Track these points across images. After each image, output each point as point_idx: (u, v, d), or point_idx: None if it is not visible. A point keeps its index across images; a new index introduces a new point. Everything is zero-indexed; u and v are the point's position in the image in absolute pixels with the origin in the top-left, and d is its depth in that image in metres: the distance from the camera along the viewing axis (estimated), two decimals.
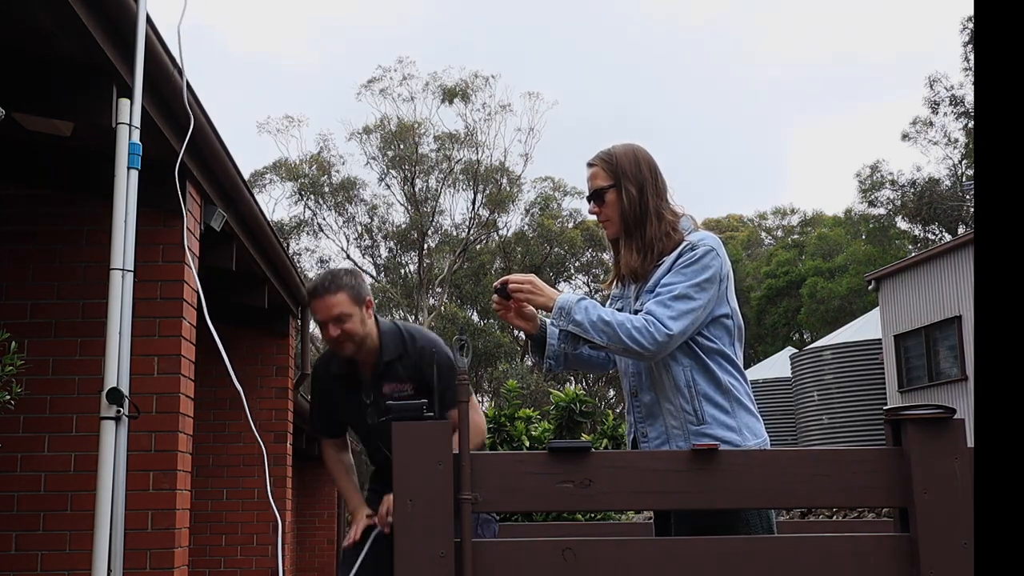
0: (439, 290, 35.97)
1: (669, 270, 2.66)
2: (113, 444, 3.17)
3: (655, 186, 2.77)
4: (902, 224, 32.18)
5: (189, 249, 4.21)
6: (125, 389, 3.21)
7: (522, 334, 3.07)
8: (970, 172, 29.51)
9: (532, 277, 2.71)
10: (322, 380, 3.45)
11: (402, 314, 34.50)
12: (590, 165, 2.84)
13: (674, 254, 2.70)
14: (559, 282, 36.60)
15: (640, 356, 2.62)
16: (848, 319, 24.71)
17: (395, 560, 2.21)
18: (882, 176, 31.55)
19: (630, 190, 2.74)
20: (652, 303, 2.61)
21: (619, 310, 2.80)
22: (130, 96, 3.44)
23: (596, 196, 2.79)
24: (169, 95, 3.86)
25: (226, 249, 5.27)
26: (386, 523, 3.08)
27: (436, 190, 35.92)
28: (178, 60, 3.81)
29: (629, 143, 2.85)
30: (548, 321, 2.73)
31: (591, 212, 2.85)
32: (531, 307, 2.76)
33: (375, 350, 3.24)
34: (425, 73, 45.35)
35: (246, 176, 5.24)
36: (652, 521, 2.89)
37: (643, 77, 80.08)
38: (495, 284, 2.78)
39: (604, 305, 2.90)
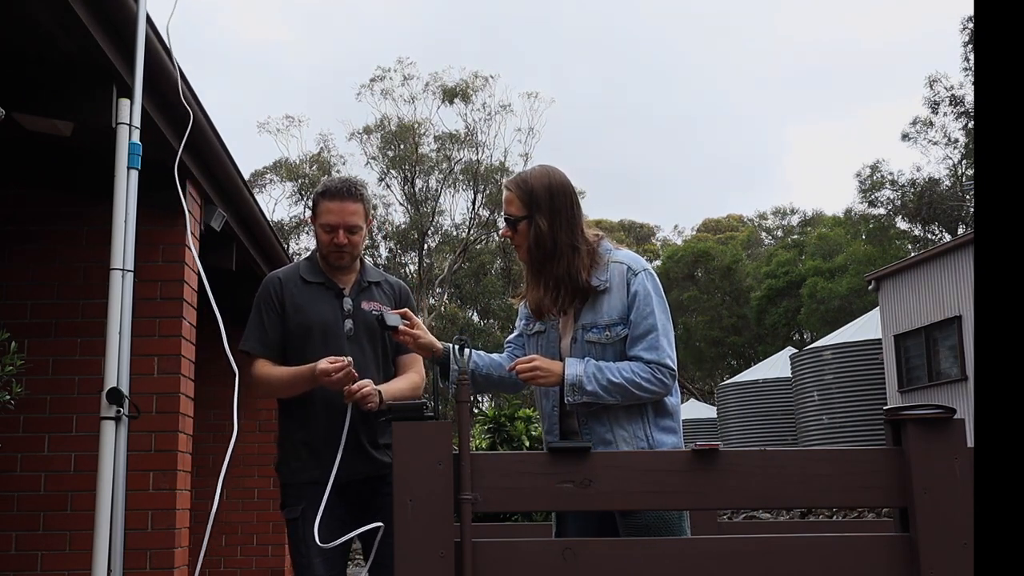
0: (439, 290, 35.96)
1: (629, 307, 2.72)
2: (113, 444, 3.17)
3: (568, 217, 2.78)
4: (902, 224, 32.14)
5: (189, 248, 4.21)
6: (125, 389, 3.21)
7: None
8: (970, 172, 29.49)
9: (536, 360, 2.75)
10: (281, 289, 3.21)
11: None
12: (506, 189, 2.87)
13: (618, 283, 2.75)
14: None
15: (654, 399, 2.72)
16: (848, 319, 24.67)
17: (395, 560, 2.22)
18: (882, 176, 31.52)
19: (540, 224, 2.76)
20: (643, 351, 2.69)
21: (540, 332, 2.87)
22: (130, 96, 3.44)
23: (509, 223, 2.83)
24: (169, 95, 3.86)
25: (226, 249, 5.27)
26: (355, 395, 2.99)
27: (436, 190, 35.91)
28: (174, 56, 3.81)
29: (546, 168, 2.85)
30: (451, 345, 2.80)
31: (503, 235, 2.91)
32: (428, 336, 2.88)
33: (356, 269, 3.29)
34: (425, 73, 45.39)
35: (246, 176, 5.23)
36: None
37: (644, 76, 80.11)
38: (376, 313, 2.97)
39: (516, 322, 3.03)
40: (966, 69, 28.93)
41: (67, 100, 3.59)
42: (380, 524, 2.89)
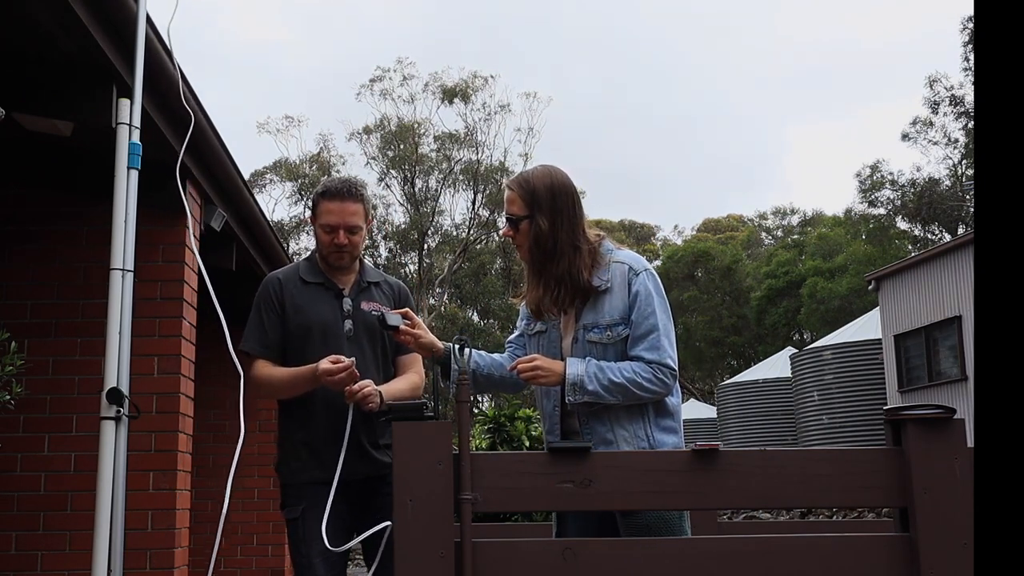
0: (439, 290, 35.96)
1: (630, 307, 2.72)
2: (113, 444, 3.17)
3: (570, 217, 2.78)
4: (902, 224, 32.14)
5: (189, 248, 4.21)
6: (125, 389, 3.21)
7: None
8: (970, 172, 29.48)
9: (536, 359, 2.75)
10: (281, 289, 3.21)
11: None
12: (508, 188, 2.87)
13: (619, 283, 2.75)
14: None
15: (654, 399, 2.72)
16: (848, 319, 24.67)
17: (395, 560, 2.22)
18: (882, 176, 31.51)
19: (541, 224, 2.76)
20: (644, 351, 2.69)
21: (541, 332, 2.87)
22: (130, 96, 3.43)
23: (511, 223, 2.83)
24: (169, 95, 3.86)
25: (226, 249, 5.27)
26: (356, 395, 2.98)
27: (436, 190, 35.91)
28: (175, 58, 3.81)
29: (548, 168, 2.86)
30: (452, 345, 2.80)
31: (504, 234, 2.91)
32: (429, 336, 2.88)
33: (355, 269, 3.28)
34: (425, 73, 45.41)
35: (246, 176, 5.23)
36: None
37: (644, 76, 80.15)
38: (376, 313, 3.00)
39: (516, 322, 3.03)
40: (966, 69, 28.93)
41: (67, 100, 3.59)
42: (388, 524, 2.89)
